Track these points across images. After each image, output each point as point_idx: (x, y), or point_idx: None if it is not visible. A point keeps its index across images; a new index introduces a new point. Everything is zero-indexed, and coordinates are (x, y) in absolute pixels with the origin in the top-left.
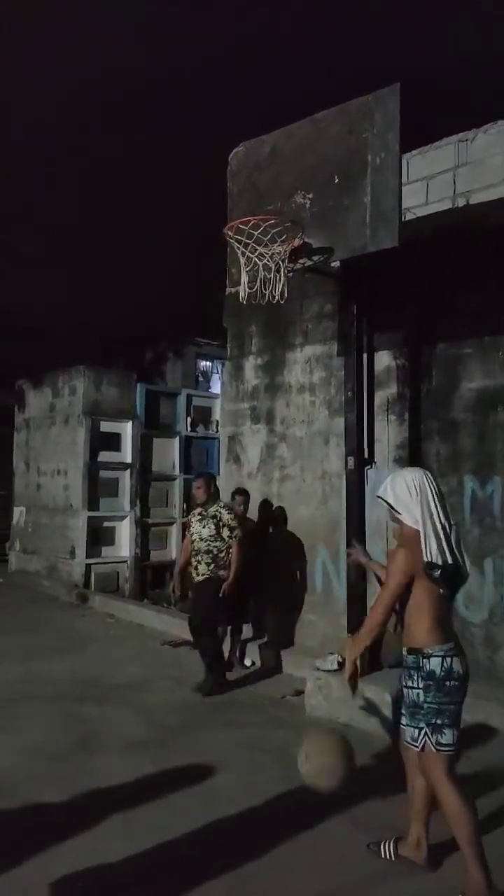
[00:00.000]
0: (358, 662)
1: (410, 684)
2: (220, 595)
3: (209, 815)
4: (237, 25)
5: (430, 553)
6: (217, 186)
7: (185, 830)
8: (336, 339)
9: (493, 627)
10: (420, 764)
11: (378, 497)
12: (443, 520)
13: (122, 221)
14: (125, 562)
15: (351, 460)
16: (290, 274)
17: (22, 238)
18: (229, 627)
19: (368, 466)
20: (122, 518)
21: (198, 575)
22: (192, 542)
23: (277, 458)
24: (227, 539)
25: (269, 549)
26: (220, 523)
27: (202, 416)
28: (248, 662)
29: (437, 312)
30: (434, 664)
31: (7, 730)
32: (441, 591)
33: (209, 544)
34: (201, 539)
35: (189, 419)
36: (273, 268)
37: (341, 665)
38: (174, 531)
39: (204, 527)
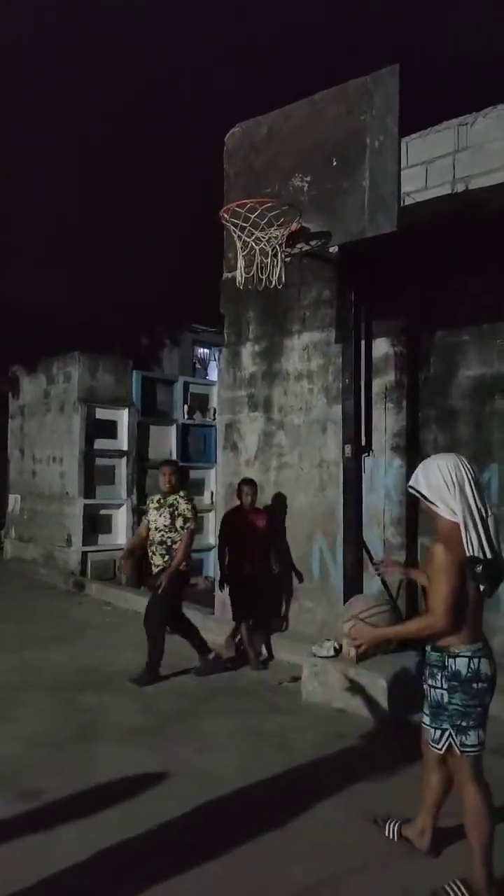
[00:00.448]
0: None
1: (433, 683)
2: (159, 585)
3: (207, 800)
4: (234, 5)
5: (472, 547)
6: (215, 169)
7: (184, 816)
8: (334, 325)
9: (490, 615)
10: (450, 763)
11: (410, 487)
12: (482, 509)
13: (119, 207)
14: (122, 549)
15: (348, 448)
16: (288, 259)
17: (16, 225)
18: (249, 621)
19: (366, 454)
20: (119, 506)
21: (154, 566)
22: (150, 530)
23: (275, 446)
24: (180, 529)
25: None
26: (176, 512)
27: (199, 403)
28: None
29: (436, 299)
30: (460, 665)
31: (5, 719)
32: (480, 587)
33: (163, 535)
34: (156, 528)
35: (186, 407)
36: (270, 252)
37: (337, 651)
38: None
39: (160, 515)
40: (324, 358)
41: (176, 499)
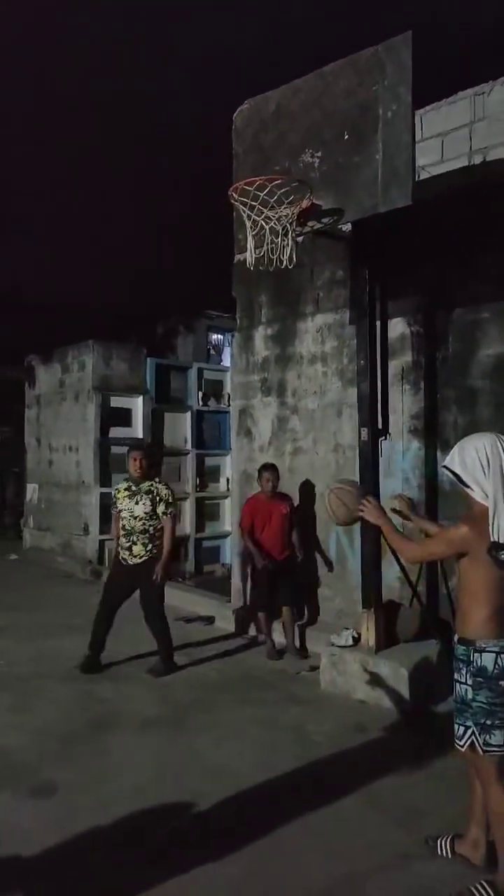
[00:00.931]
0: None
1: (458, 678)
2: (156, 578)
3: (223, 795)
4: None
5: (499, 533)
6: (225, 150)
7: (199, 811)
8: (348, 306)
9: None
10: (474, 762)
11: (444, 467)
12: None
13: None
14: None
15: (364, 431)
16: (300, 238)
17: (30, 214)
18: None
19: (383, 438)
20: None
21: (133, 556)
22: (122, 519)
23: (289, 431)
24: (161, 516)
25: None
26: (158, 499)
27: (214, 389)
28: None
29: (454, 276)
30: (486, 660)
31: (20, 709)
32: None
33: (145, 523)
34: (134, 517)
35: (201, 393)
36: (281, 231)
37: (356, 640)
38: (188, 506)
39: (137, 503)
40: (338, 340)
41: (153, 485)
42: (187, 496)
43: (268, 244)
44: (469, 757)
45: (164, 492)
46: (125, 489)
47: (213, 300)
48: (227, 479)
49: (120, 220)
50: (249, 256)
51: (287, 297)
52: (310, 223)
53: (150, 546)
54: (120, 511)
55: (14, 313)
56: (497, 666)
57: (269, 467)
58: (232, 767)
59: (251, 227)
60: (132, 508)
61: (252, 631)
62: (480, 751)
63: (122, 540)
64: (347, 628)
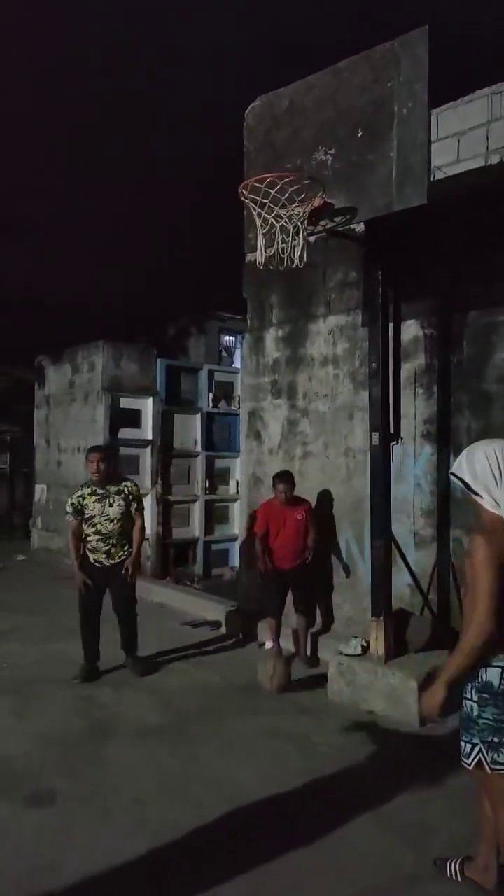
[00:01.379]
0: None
1: (464, 694)
2: (131, 577)
3: (227, 809)
4: None
5: None
6: (240, 147)
7: (202, 826)
8: (361, 308)
9: None
10: (481, 781)
11: (452, 475)
12: None
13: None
14: (147, 540)
15: (376, 436)
16: (311, 237)
17: (40, 214)
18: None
19: (394, 442)
20: (144, 496)
21: (110, 558)
22: (94, 524)
23: (299, 434)
24: (134, 514)
25: None
26: (131, 497)
27: (224, 391)
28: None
29: (469, 278)
30: (492, 675)
31: (21, 714)
32: None
33: (122, 524)
34: (109, 520)
35: (211, 395)
36: (292, 230)
37: (365, 649)
38: (197, 509)
39: (110, 505)
40: (350, 342)
41: (125, 485)
42: (196, 498)
43: (278, 243)
44: (476, 776)
45: (135, 490)
46: (90, 493)
47: (226, 302)
48: (237, 482)
49: (131, 220)
50: (259, 255)
51: (298, 298)
52: (322, 222)
53: (126, 546)
54: (90, 517)
55: (24, 313)
56: (503, 682)
57: (283, 477)
58: (235, 779)
59: (261, 226)
60: (106, 512)
61: (258, 637)
62: (488, 769)
63: (98, 545)
64: (356, 637)
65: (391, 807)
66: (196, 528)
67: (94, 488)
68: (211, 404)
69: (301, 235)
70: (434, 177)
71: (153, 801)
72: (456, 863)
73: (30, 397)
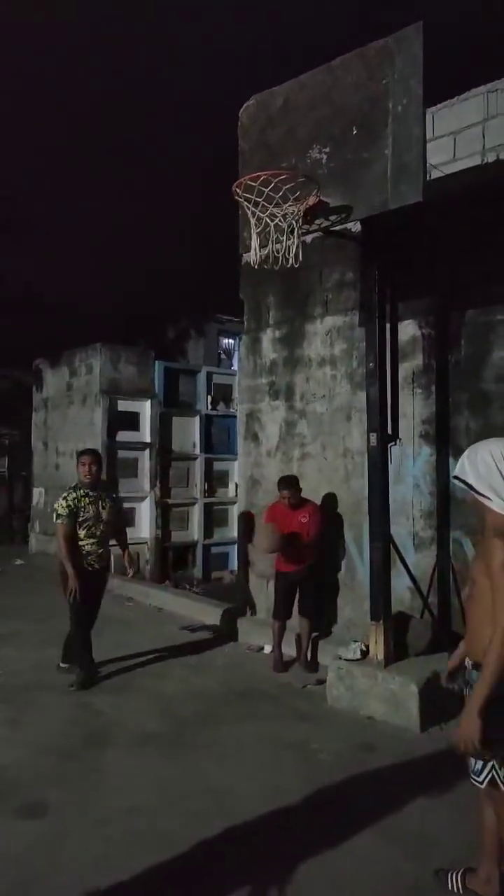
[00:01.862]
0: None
1: None
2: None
3: (225, 821)
4: None
5: None
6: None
7: (200, 839)
8: (358, 308)
9: None
10: (489, 798)
11: (455, 478)
12: None
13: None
14: (145, 543)
15: (373, 436)
16: (308, 237)
17: (39, 215)
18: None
19: (393, 443)
20: (142, 499)
21: (100, 561)
22: (88, 527)
23: (297, 436)
24: (116, 515)
25: None
26: (115, 499)
27: (223, 393)
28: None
29: (466, 277)
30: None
31: (16, 722)
32: None
33: (111, 526)
34: (102, 522)
35: (209, 397)
36: (286, 229)
37: (364, 653)
38: (196, 512)
39: (102, 508)
40: (347, 342)
41: (108, 487)
42: (195, 501)
43: (273, 243)
44: (485, 792)
45: (113, 490)
46: (84, 495)
47: (225, 304)
48: (236, 485)
49: (130, 221)
50: (254, 255)
51: (295, 298)
52: (317, 221)
53: (108, 549)
54: (85, 520)
55: (22, 316)
56: None
57: (286, 483)
58: (234, 789)
59: (255, 225)
60: (100, 514)
61: (257, 640)
62: (501, 787)
63: (92, 548)
64: (356, 641)
65: (392, 816)
66: (195, 531)
67: (86, 491)
68: (209, 406)
69: (296, 234)
70: (430, 175)
71: (149, 811)
72: (457, 875)
73: (28, 400)
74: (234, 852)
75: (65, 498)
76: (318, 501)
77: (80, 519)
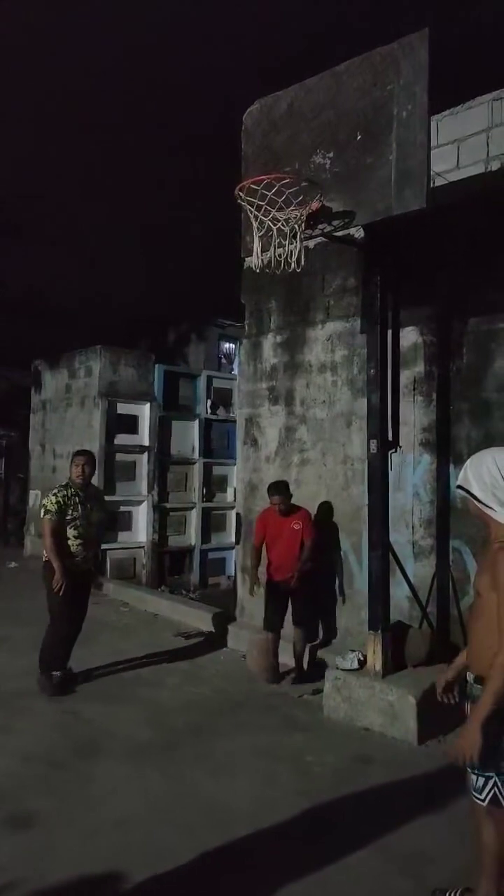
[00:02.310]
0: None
1: None
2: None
3: (217, 836)
4: None
5: None
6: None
7: (191, 855)
8: (359, 315)
9: None
10: (482, 816)
11: (458, 487)
12: None
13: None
14: (142, 548)
15: (374, 443)
16: (310, 241)
17: (40, 217)
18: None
19: (393, 450)
20: (140, 503)
21: (86, 562)
22: (77, 527)
23: (297, 441)
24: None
25: None
26: (102, 502)
27: (223, 398)
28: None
29: (468, 284)
30: None
31: (4, 729)
32: None
33: (97, 528)
34: (90, 523)
35: (209, 401)
36: (289, 234)
37: (362, 663)
38: (194, 516)
39: (91, 509)
40: (348, 349)
41: (97, 490)
42: (193, 506)
43: (275, 247)
44: (486, 810)
45: (102, 494)
46: (74, 495)
47: (227, 308)
48: (235, 490)
49: (132, 224)
50: (255, 258)
51: (297, 304)
52: (320, 226)
53: (94, 551)
54: (73, 519)
55: (22, 317)
56: None
57: (276, 489)
58: (227, 802)
59: (258, 229)
60: (88, 515)
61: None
62: None
63: (78, 549)
64: (353, 650)
65: (388, 833)
66: (192, 535)
67: (76, 490)
68: (209, 411)
69: (299, 239)
70: (434, 183)
71: (139, 824)
72: (455, 894)
73: (26, 401)
74: (228, 868)
75: (55, 494)
76: (317, 508)
77: (69, 517)
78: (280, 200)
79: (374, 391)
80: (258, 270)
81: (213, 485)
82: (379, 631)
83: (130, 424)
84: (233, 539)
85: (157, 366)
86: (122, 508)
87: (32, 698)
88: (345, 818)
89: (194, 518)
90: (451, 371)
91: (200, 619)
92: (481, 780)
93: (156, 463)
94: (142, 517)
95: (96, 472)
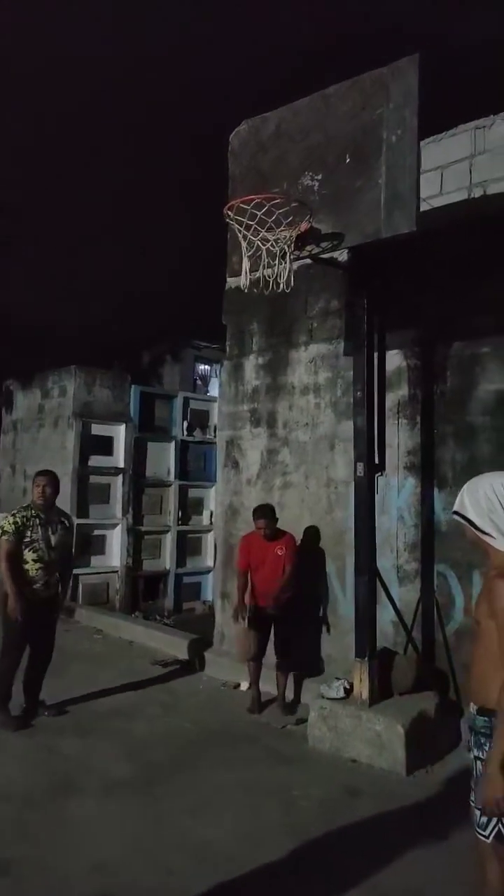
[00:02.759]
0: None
1: (480, 755)
2: (59, 611)
3: (202, 878)
4: None
5: None
6: (217, 173)
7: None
8: (343, 337)
9: None
10: (486, 852)
11: (454, 514)
12: None
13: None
14: (116, 572)
15: (361, 466)
16: (297, 261)
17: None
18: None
19: (379, 473)
20: (114, 526)
21: (47, 589)
22: (35, 550)
23: (279, 464)
24: (70, 549)
25: None
26: (69, 527)
27: (199, 419)
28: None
29: (452, 309)
30: None
31: None
32: None
33: (60, 554)
34: (51, 547)
35: (186, 423)
36: (278, 254)
37: (348, 692)
38: (169, 540)
39: (53, 532)
40: (332, 371)
41: (65, 517)
42: (168, 529)
43: (264, 267)
44: (491, 846)
45: (72, 522)
46: (34, 517)
47: (203, 330)
48: (211, 513)
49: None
50: (244, 278)
51: (280, 325)
52: (308, 247)
53: (58, 577)
54: (32, 542)
55: None
56: None
57: (262, 513)
58: (210, 840)
59: (247, 248)
60: (49, 538)
61: (232, 677)
62: None
63: (38, 574)
64: (338, 678)
65: (380, 869)
66: (167, 560)
67: (37, 512)
68: (185, 432)
69: (288, 259)
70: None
71: (118, 866)
72: None
73: None
74: None
75: (13, 515)
76: (300, 532)
77: (27, 539)
78: (270, 220)
79: (361, 413)
80: (246, 290)
81: (189, 508)
82: (366, 658)
83: (105, 446)
84: (209, 563)
85: (133, 386)
86: (96, 532)
87: (3, 732)
88: (334, 854)
89: (169, 542)
90: (435, 394)
91: (177, 647)
92: (485, 817)
93: (131, 485)
94: (116, 541)
95: (72, 494)
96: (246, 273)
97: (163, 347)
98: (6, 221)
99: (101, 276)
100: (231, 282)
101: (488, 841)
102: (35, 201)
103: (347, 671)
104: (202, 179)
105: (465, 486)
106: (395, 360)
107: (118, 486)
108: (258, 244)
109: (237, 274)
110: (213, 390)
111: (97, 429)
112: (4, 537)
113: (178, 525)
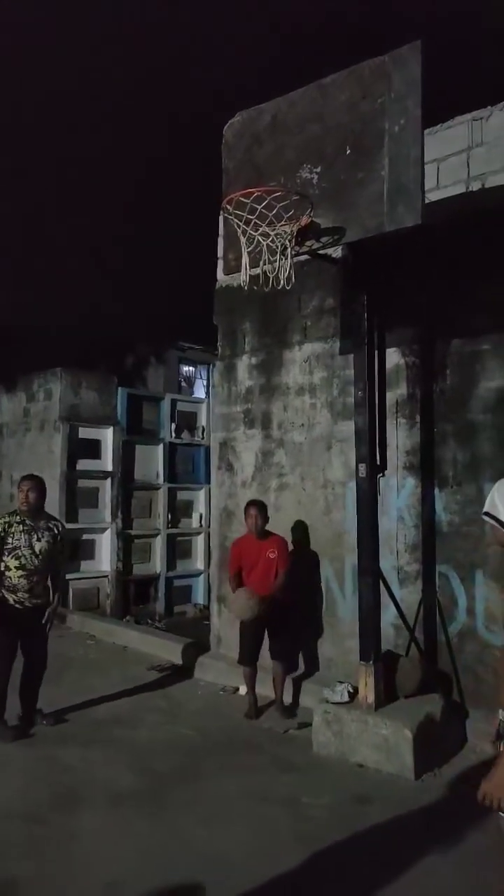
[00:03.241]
0: None
1: None
2: (49, 623)
3: (220, 893)
4: None
5: None
6: (207, 176)
7: None
8: (338, 335)
9: None
10: None
11: (485, 514)
12: None
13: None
14: (106, 577)
15: (362, 467)
16: (297, 257)
17: None
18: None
19: (380, 474)
20: (103, 530)
21: (33, 598)
22: (18, 557)
23: (274, 466)
24: (58, 555)
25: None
26: (59, 537)
27: (187, 421)
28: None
29: (452, 306)
30: None
31: None
32: None
33: (46, 563)
34: (35, 554)
35: (174, 425)
36: (278, 250)
37: (352, 696)
38: (159, 543)
39: (37, 539)
40: (327, 370)
41: (54, 524)
42: (158, 532)
43: (263, 263)
44: None
45: (64, 532)
46: (18, 523)
47: (187, 331)
48: (201, 515)
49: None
50: (243, 274)
51: (273, 324)
52: (308, 242)
53: (46, 586)
54: (14, 548)
55: None
56: None
57: (254, 503)
58: (221, 853)
59: (245, 244)
60: (32, 545)
61: (231, 681)
62: None
63: (21, 581)
64: (342, 682)
65: (395, 879)
66: (158, 563)
67: (22, 518)
68: (173, 435)
69: (288, 255)
70: None
71: (131, 883)
72: None
73: None
74: None
75: None
76: (297, 534)
77: (9, 546)
78: (271, 214)
79: (362, 413)
80: (246, 287)
81: (179, 510)
82: (371, 662)
83: (93, 449)
84: (199, 566)
85: (120, 389)
86: (85, 536)
87: (3, 746)
88: (348, 864)
89: (159, 545)
90: (435, 393)
91: (171, 651)
92: None
93: (119, 489)
94: (105, 545)
95: (60, 499)
96: (246, 269)
97: (146, 349)
98: None
99: (83, 275)
100: (222, 280)
101: None
102: (14, 202)
103: (348, 674)
104: (191, 177)
105: (494, 487)
106: (393, 357)
107: (107, 489)
108: (258, 239)
109: (233, 271)
110: (199, 392)
111: (84, 432)
112: None
113: (168, 528)
